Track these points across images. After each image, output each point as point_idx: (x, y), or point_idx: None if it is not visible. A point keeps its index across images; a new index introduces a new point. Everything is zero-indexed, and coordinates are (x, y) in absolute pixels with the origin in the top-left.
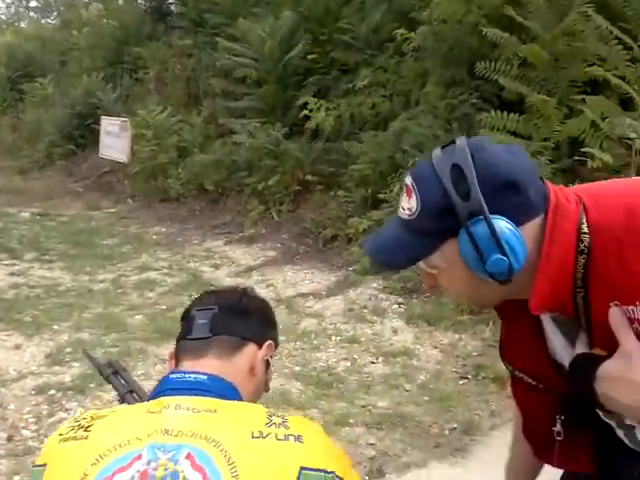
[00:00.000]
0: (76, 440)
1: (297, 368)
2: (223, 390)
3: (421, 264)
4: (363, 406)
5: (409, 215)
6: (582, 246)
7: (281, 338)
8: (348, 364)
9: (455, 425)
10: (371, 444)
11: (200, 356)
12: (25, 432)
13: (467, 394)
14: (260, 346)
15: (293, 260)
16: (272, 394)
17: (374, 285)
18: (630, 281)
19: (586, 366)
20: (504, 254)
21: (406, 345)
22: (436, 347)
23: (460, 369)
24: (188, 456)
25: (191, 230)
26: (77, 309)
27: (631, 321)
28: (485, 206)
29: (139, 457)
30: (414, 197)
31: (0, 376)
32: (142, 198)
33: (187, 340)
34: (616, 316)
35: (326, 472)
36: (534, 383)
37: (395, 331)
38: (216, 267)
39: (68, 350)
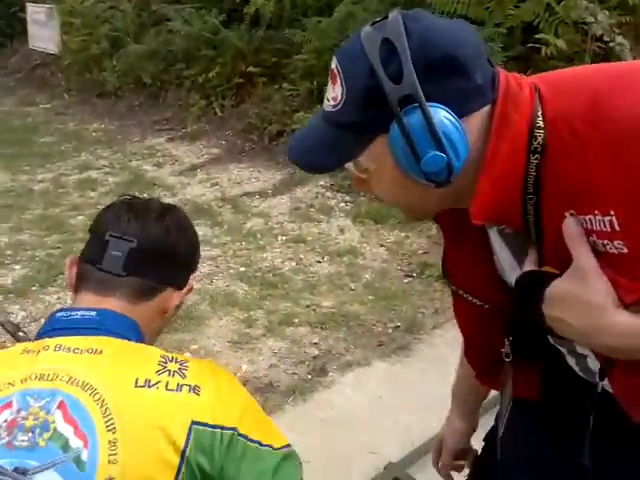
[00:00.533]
0: None
1: (242, 269)
2: (117, 326)
3: (349, 166)
4: (308, 306)
5: (333, 106)
6: (535, 144)
7: (226, 238)
8: (294, 264)
9: (399, 324)
10: (315, 343)
11: (105, 295)
12: None
13: (412, 292)
14: (179, 289)
15: (238, 158)
16: (217, 295)
17: (321, 183)
18: (590, 186)
19: (534, 285)
20: (442, 150)
21: (352, 244)
22: (382, 245)
23: (405, 267)
24: (61, 405)
25: (131, 127)
26: (17, 210)
27: (588, 233)
28: (420, 90)
29: (8, 405)
30: (338, 83)
31: None
32: (78, 92)
33: (94, 268)
34: (571, 227)
35: (223, 428)
36: (479, 303)
37: (341, 230)
38: (159, 165)
39: (9, 252)
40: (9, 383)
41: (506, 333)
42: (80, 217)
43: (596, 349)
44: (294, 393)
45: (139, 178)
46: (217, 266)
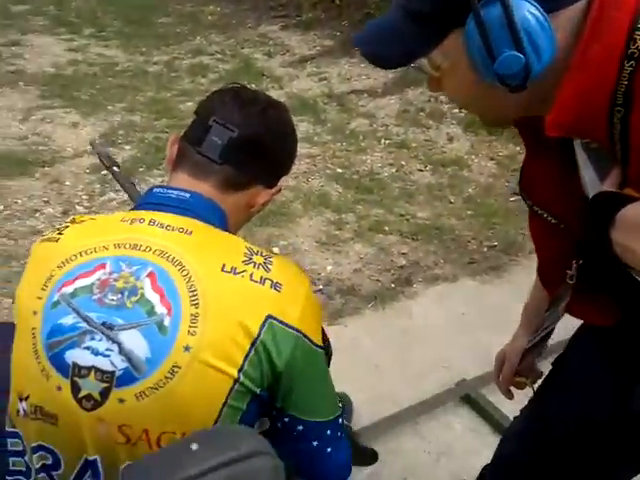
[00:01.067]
0: (49, 242)
1: (339, 170)
2: (205, 211)
3: (422, 62)
4: (402, 215)
5: None
6: (633, 48)
7: (328, 137)
8: (393, 170)
9: (495, 243)
10: (403, 253)
11: (199, 178)
12: (79, 208)
13: (516, 212)
14: (268, 187)
15: (351, 52)
16: (311, 194)
17: None
18: None
19: (607, 207)
20: (521, 50)
21: (459, 154)
22: (492, 159)
23: (514, 184)
24: (150, 274)
25: (246, 11)
26: (131, 91)
27: None
28: None
29: (103, 266)
30: None
31: (58, 153)
32: None
33: (194, 149)
34: None
35: (297, 331)
36: (554, 222)
37: (450, 138)
38: (269, 55)
39: (121, 132)
40: (104, 247)
41: (576, 255)
42: (189, 103)
43: None
44: (375, 299)
45: (249, 67)
46: (315, 165)
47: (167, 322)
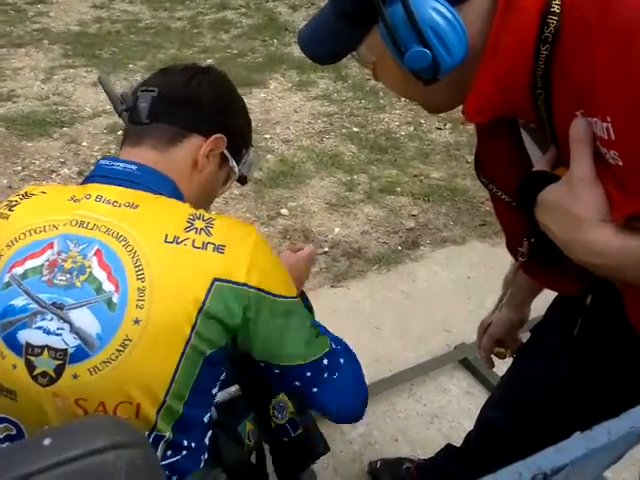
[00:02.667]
0: (0, 218)
1: (355, 129)
2: (154, 183)
3: (356, 57)
4: (415, 175)
5: None
6: (547, 32)
7: (347, 94)
8: (411, 129)
9: None
10: (413, 215)
11: (136, 144)
12: None
13: None
14: (206, 136)
15: None
16: (323, 155)
17: None
18: (592, 86)
19: (532, 188)
20: (427, 46)
21: None
22: None
23: None
24: (97, 252)
25: None
26: (153, 48)
27: (595, 138)
28: None
29: (51, 246)
30: None
31: (77, 112)
32: None
33: (130, 123)
34: (577, 128)
35: (247, 286)
36: (507, 200)
37: None
38: (294, 8)
39: None
40: (53, 226)
41: (527, 235)
42: (209, 60)
43: (575, 262)
44: (380, 262)
45: (272, 21)
46: (331, 124)
47: (115, 299)
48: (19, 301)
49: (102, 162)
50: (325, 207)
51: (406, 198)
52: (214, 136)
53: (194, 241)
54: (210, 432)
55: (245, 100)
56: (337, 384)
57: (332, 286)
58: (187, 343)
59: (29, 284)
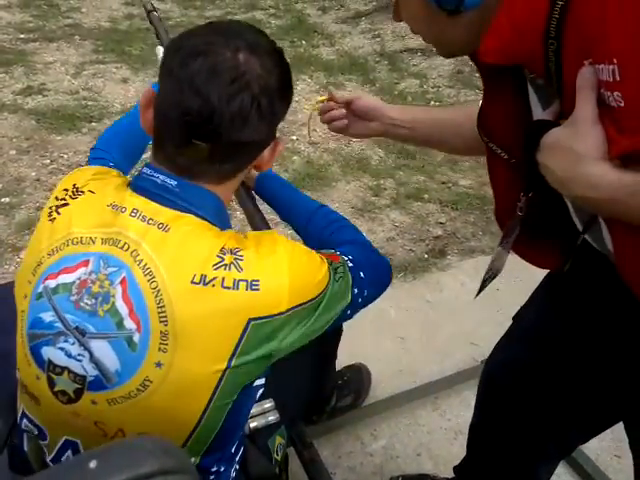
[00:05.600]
0: (48, 219)
1: None
2: (196, 201)
3: None
4: (443, 182)
5: None
6: None
7: (376, 97)
8: None
9: None
10: (440, 223)
11: (191, 175)
12: None
13: None
14: (265, 148)
15: None
16: (350, 159)
17: None
18: (604, 32)
19: (536, 132)
20: None
21: None
22: None
23: None
24: (123, 281)
25: None
26: None
27: (599, 84)
28: None
29: (85, 263)
30: None
31: (106, 108)
32: None
33: (175, 150)
34: (584, 75)
35: (289, 310)
36: (507, 157)
37: None
38: (324, 10)
39: None
40: (91, 239)
41: (526, 189)
42: None
43: (572, 200)
44: (406, 270)
45: (301, 23)
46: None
47: (136, 339)
48: (47, 316)
49: (144, 170)
50: (351, 211)
51: (434, 205)
52: (274, 143)
53: (224, 280)
54: (241, 450)
55: None
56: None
57: None
58: (215, 390)
59: (58, 301)
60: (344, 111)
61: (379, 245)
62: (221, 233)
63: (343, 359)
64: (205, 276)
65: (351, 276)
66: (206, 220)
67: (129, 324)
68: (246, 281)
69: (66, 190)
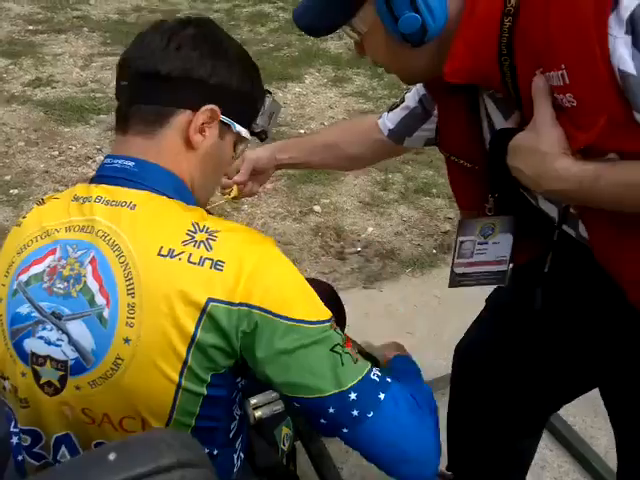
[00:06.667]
0: (16, 226)
1: None
2: (154, 180)
3: (346, 30)
4: None
5: None
6: (509, 6)
7: (383, 92)
8: None
9: None
10: (449, 218)
11: (124, 129)
12: None
13: None
14: (195, 112)
15: None
16: None
17: None
18: (550, 43)
19: (503, 140)
20: (417, 11)
21: None
22: None
23: None
24: (92, 261)
25: None
26: None
27: (552, 90)
28: None
29: (53, 252)
30: None
31: (114, 100)
32: None
33: (118, 102)
34: (538, 85)
35: (247, 306)
36: (469, 165)
37: None
38: None
39: None
40: (56, 229)
41: (491, 191)
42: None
43: (543, 195)
44: (414, 265)
45: None
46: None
47: (106, 314)
48: (24, 309)
49: (105, 161)
50: (359, 206)
51: (442, 200)
52: (203, 108)
53: (190, 255)
54: (240, 437)
55: (280, 94)
56: (372, 427)
57: (364, 287)
58: (183, 367)
59: (32, 291)
60: (248, 181)
61: (387, 240)
62: (189, 207)
63: None
64: (172, 250)
65: (366, 370)
66: (166, 196)
67: (100, 299)
68: (212, 260)
69: (35, 203)
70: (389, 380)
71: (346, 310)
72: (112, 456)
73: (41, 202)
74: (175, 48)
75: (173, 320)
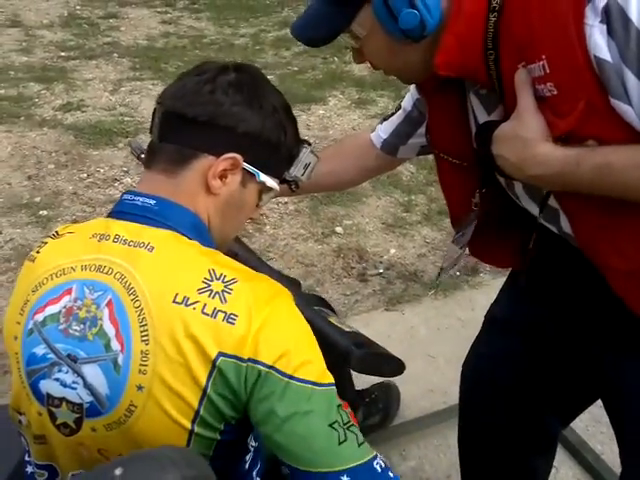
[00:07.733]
0: (29, 261)
1: None
2: (174, 219)
3: (345, 37)
4: None
5: None
6: (495, 3)
7: None
8: None
9: None
10: None
11: (150, 164)
12: None
13: None
14: (216, 155)
15: None
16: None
17: None
18: (531, 37)
19: (487, 131)
20: (415, 7)
21: None
22: None
23: None
24: (109, 304)
25: None
26: None
27: (533, 81)
28: None
29: (69, 292)
30: None
31: (142, 124)
32: None
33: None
34: (519, 76)
35: (254, 362)
36: (458, 162)
37: None
38: None
39: None
40: (72, 268)
41: (480, 186)
42: (270, 77)
43: (526, 181)
44: (437, 287)
45: (335, 41)
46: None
47: (120, 360)
48: (40, 349)
49: (125, 197)
50: (381, 227)
51: None
52: (225, 155)
53: (205, 306)
54: (258, 466)
55: (304, 117)
56: None
57: (386, 309)
58: (195, 416)
59: (48, 332)
60: None
61: (410, 262)
62: (206, 250)
63: (372, 378)
64: (188, 298)
65: (365, 455)
66: (185, 236)
67: (115, 345)
68: (225, 313)
69: (48, 236)
70: (391, 475)
71: (367, 332)
72: (119, 471)
73: (56, 235)
74: (208, 92)
75: (186, 370)
